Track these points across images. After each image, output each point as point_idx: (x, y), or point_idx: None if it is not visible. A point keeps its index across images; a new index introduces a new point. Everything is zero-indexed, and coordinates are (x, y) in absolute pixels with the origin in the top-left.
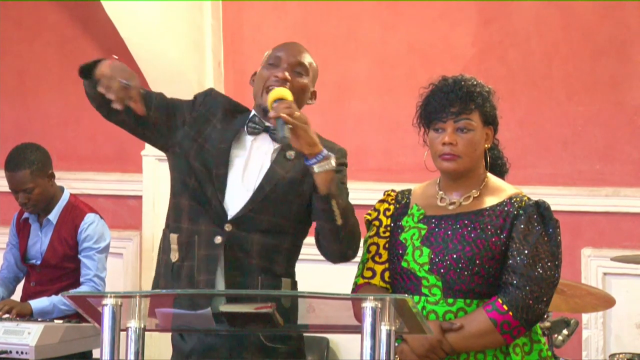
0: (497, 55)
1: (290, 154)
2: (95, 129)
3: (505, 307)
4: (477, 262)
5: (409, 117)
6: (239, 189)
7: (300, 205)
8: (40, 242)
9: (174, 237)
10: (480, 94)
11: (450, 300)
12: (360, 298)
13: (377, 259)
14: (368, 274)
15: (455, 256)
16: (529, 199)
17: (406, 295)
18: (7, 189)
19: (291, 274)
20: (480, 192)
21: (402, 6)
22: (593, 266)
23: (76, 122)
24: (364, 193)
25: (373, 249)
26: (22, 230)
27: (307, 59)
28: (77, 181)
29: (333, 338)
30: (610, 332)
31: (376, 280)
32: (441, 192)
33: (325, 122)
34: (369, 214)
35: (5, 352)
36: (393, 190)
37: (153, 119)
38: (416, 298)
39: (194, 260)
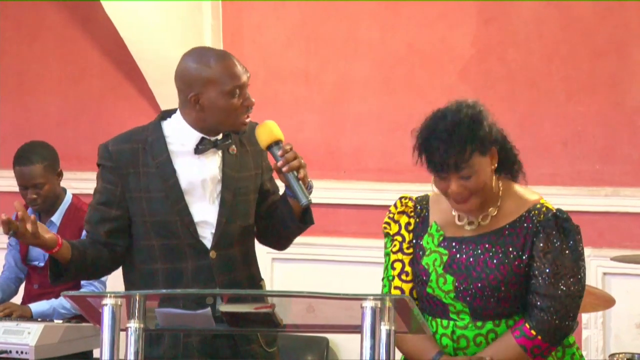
0: (496, 55)
1: (233, 149)
2: (95, 128)
3: (533, 332)
4: (503, 288)
5: (408, 117)
6: (205, 212)
7: (255, 200)
8: None
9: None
10: (473, 134)
11: (479, 324)
12: (360, 298)
13: (404, 277)
14: (396, 292)
15: (479, 285)
16: (547, 209)
17: (406, 295)
18: (7, 189)
19: (260, 274)
20: (499, 208)
21: (401, 6)
22: (593, 266)
23: (76, 122)
24: (363, 193)
25: (398, 266)
26: None
27: (243, 65)
28: (77, 181)
29: (333, 338)
30: (610, 332)
31: None
32: None
33: (325, 122)
34: (388, 225)
35: (5, 352)
36: (410, 199)
37: (122, 224)
38: (444, 322)
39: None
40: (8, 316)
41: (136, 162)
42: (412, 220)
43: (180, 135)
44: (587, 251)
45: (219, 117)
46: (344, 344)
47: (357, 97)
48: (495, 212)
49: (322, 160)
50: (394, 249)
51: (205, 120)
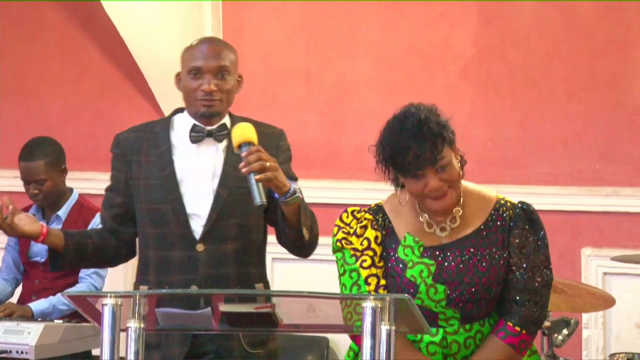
0: (497, 55)
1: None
2: (95, 128)
3: (517, 328)
4: (494, 289)
5: None
6: (198, 205)
7: None
8: None
9: (144, 289)
10: (440, 125)
11: (467, 327)
12: (360, 297)
13: (381, 291)
14: None
15: (473, 289)
16: (512, 203)
17: (406, 295)
18: (7, 188)
19: (263, 276)
20: (462, 208)
21: (402, 6)
22: (593, 266)
23: (76, 121)
24: (364, 193)
25: (373, 281)
26: None
27: (226, 56)
28: (77, 181)
29: (333, 338)
30: (610, 332)
31: None
32: (425, 215)
33: (325, 122)
34: (346, 241)
35: (5, 351)
36: (365, 211)
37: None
38: (433, 330)
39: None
40: (9, 316)
41: (139, 151)
42: (378, 234)
43: (182, 125)
44: (588, 251)
45: (184, 96)
46: (344, 343)
47: (358, 97)
48: (461, 212)
49: (323, 160)
50: (365, 265)
51: (184, 101)
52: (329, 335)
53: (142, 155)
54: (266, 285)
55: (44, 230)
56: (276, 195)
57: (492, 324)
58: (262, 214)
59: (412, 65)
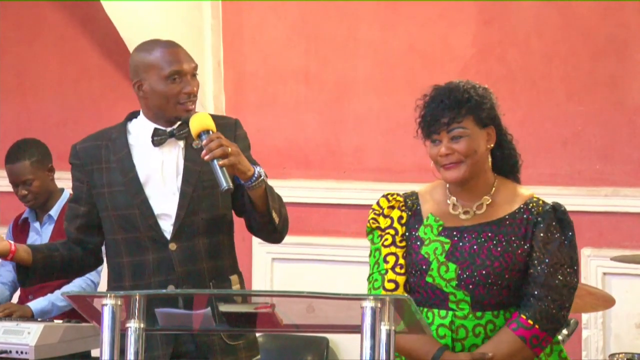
0: (496, 55)
1: (197, 143)
2: (94, 128)
3: (530, 321)
4: (506, 276)
5: (408, 117)
6: (165, 204)
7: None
8: (40, 238)
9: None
10: (471, 99)
11: (478, 314)
12: (360, 298)
13: (398, 269)
14: (390, 286)
15: (484, 272)
16: (544, 202)
17: (406, 295)
18: (7, 188)
19: (235, 267)
20: (492, 198)
21: (402, 6)
22: (593, 266)
23: (75, 121)
24: (363, 193)
25: (391, 259)
26: (21, 232)
27: (190, 56)
28: None
29: (333, 338)
30: (610, 332)
31: (400, 292)
32: (453, 198)
33: (325, 122)
34: (375, 221)
35: (5, 352)
36: (398, 194)
37: (95, 218)
38: (442, 312)
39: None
40: (8, 316)
41: (99, 159)
42: (404, 214)
43: (139, 129)
44: (587, 251)
45: (159, 102)
46: (344, 344)
47: (358, 97)
48: (490, 201)
49: (322, 160)
50: (386, 243)
51: (150, 107)
52: (329, 336)
53: (102, 163)
54: (239, 276)
55: (12, 248)
56: (241, 181)
57: (508, 317)
58: (230, 204)
59: (411, 66)
